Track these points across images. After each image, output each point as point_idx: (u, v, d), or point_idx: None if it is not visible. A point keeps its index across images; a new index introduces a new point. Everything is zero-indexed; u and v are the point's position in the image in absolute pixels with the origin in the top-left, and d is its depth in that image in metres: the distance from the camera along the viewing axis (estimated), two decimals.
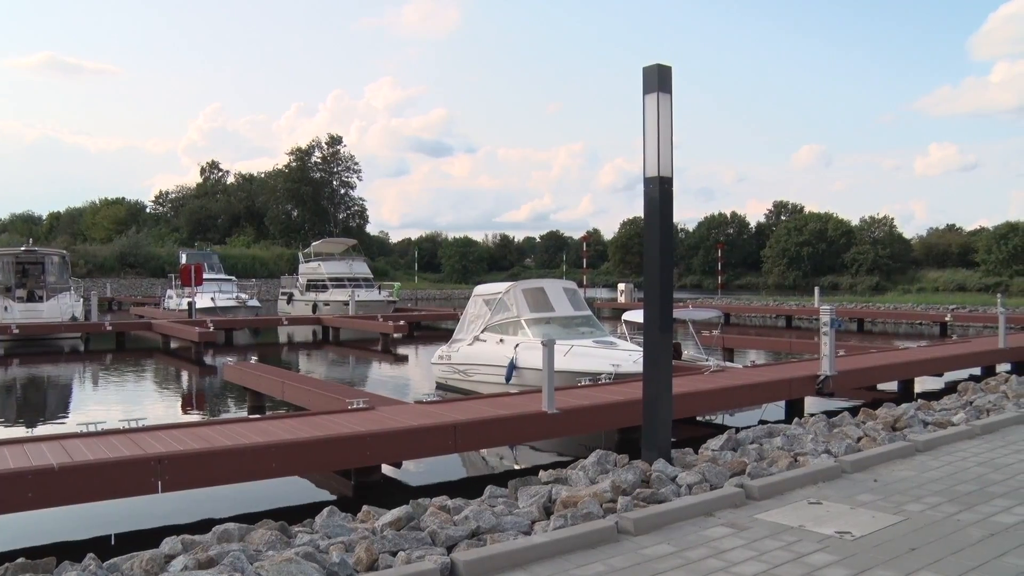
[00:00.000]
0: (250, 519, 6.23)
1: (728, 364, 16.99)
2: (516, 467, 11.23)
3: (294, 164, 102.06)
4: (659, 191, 7.59)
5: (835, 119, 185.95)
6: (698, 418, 13.40)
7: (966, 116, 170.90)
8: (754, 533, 5.71)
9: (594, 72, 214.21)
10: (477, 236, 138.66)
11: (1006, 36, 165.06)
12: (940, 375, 18.15)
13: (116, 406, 16.81)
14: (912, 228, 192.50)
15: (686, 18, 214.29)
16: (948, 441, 8.97)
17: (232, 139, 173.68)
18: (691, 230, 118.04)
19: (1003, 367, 19.28)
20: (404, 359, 28.64)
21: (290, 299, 51.72)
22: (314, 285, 49.86)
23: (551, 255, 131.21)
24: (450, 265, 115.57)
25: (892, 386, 16.80)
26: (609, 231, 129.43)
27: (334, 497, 9.29)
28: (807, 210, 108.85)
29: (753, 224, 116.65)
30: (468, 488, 8.06)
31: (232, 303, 39.81)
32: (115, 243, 78.44)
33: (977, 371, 18.82)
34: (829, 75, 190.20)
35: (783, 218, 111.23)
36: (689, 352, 18.79)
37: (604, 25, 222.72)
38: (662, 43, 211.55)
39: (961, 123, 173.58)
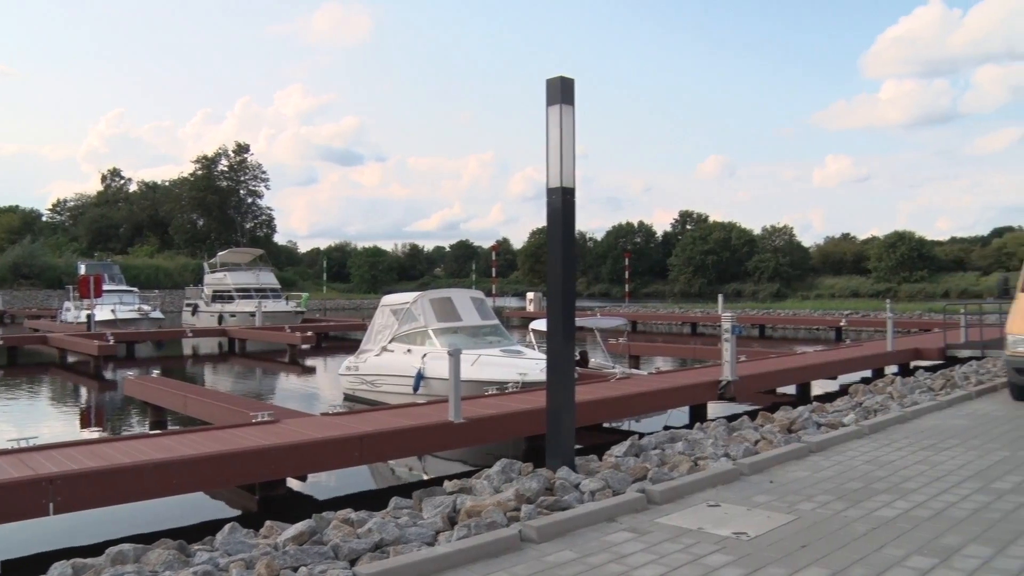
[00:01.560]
0: (148, 539, 6.08)
1: (634, 371, 17.29)
2: (424, 477, 11.24)
3: (200, 172, 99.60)
4: (562, 201, 7.71)
5: (739, 131, 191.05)
6: (604, 425, 13.62)
7: (859, 130, 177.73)
8: (654, 537, 5.85)
9: (505, 82, 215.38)
10: (387, 245, 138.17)
11: (893, 56, 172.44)
12: (835, 378, 18.84)
13: (5, 425, 16.17)
14: (810, 237, 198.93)
15: (597, 30, 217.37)
16: (839, 441, 9.33)
17: (135, 146, 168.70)
18: (599, 239, 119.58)
19: (891, 369, 20.16)
20: (312, 370, 28.28)
21: (195, 310, 50.56)
22: (220, 296, 48.86)
23: (461, 264, 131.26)
24: (359, 275, 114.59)
25: (791, 389, 17.37)
26: (519, 240, 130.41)
27: (238, 513, 9.16)
28: (712, 219, 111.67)
29: (660, 233, 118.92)
30: (376, 500, 8.05)
31: (134, 315, 38.74)
32: (8, 253, 75.03)
33: (868, 373, 19.58)
34: (733, 88, 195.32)
35: (688, 227, 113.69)
36: (596, 360, 19.05)
37: (515, 35, 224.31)
38: (572, 54, 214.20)
39: (855, 137, 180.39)
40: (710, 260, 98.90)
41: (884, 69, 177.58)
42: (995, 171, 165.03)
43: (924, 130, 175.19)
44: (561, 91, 7.70)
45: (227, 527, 6.08)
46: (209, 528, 6.68)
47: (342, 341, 36.04)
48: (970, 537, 5.75)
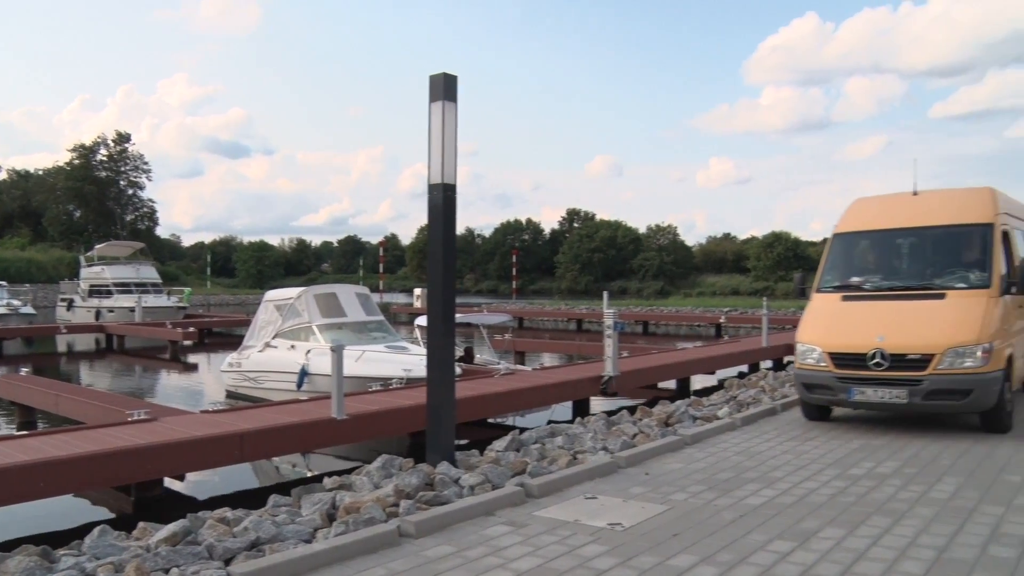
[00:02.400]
0: (10, 546, 5.86)
1: (518, 367, 17.49)
2: (308, 475, 11.12)
3: (77, 161, 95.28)
4: (443, 197, 7.76)
5: (626, 132, 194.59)
6: (489, 420, 13.74)
7: (742, 134, 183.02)
8: (532, 530, 5.96)
9: (395, 77, 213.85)
10: (274, 240, 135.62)
11: (773, 64, 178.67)
12: (713, 373, 19.43)
13: None
14: (693, 236, 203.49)
15: (488, 28, 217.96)
16: (713, 434, 9.67)
17: (5, 131, 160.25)
18: (487, 236, 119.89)
19: (765, 364, 20.94)
20: (194, 367, 27.58)
21: (70, 305, 48.50)
22: (97, 291, 47.08)
23: (349, 260, 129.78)
24: (245, 270, 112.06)
25: (671, 384, 17.85)
26: (407, 236, 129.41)
27: (112, 515, 8.88)
28: (599, 218, 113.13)
29: (548, 231, 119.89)
30: (257, 498, 7.92)
31: (2, 310, 36.94)
32: None
33: (745, 368, 20.29)
34: (620, 90, 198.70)
35: (576, 225, 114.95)
36: (481, 356, 19.17)
37: (406, 30, 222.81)
38: (463, 52, 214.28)
39: (737, 140, 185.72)
40: (596, 258, 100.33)
41: (764, 76, 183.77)
42: (863, 176, 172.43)
43: (800, 136, 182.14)
44: (444, 88, 7.74)
45: (97, 530, 5.92)
46: (80, 532, 6.48)
47: (226, 337, 35.21)
48: (827, 520, 6.08)
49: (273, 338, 17.27)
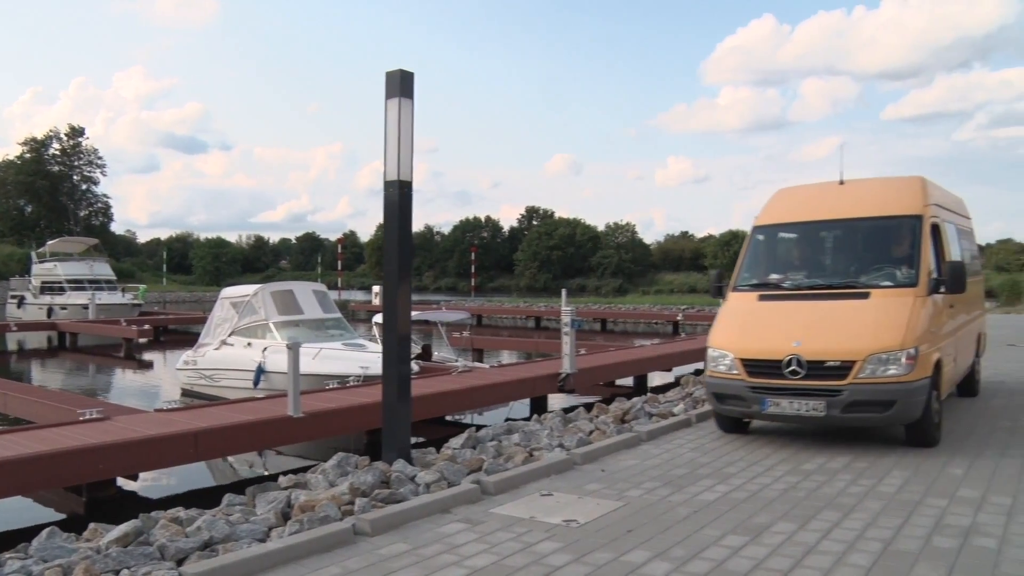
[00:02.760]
0: None
1: (476, 364, 17.50)
2: (264, 473, 11.05)
3: (28, 156, 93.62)
4: (398, 194, 7.76)
5: (585, 131, 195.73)
6: (447, 418, 13.74)
7: (700, 133, 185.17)
8: (487, 527, 5.97)
9: (354, 73, 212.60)
10: (231, 237, 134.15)
11: (730, 65, 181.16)
12: (670, 370, 19.61)
13: None
14: (652, 234, 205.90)
15: (449, 25, 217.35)
16: (669, 431, 9.75)
17: None
18: (446, 233, 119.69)
19: None
20: (149, 365, 27.24)
21: (21, 303, 47.71)
22: (50, 287, 46.35)
23: (307, 257, 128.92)
24: (202, 266, 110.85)
25: (628, 381, 17.97)
26: (366, 233, 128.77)
27: (62, 516, 8.75)
28: (558, 215, 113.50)
29: (507, 228, 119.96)
30: (213, 498, 7.85)
31: None
32: None
33: (701, 365, 20.45)
34: (580, 88, 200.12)
35: (535, 223, 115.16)
36: (439, 353, 19.15)
37: (365, 27, 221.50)
38: (423, 48, 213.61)
39: (695, 139, 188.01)
40: (555, 255, 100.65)
41: (722, 76, 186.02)
42: (818, 176, 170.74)
43: (757, 135, 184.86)
44: (400, 84, 7.73)
45: (45, 532, 5.82)
46: (28, 535, 6.37)
47: (182, 335, 34.76)
48: (779, 515, 6.17)
49: (229, 336, 17.14)
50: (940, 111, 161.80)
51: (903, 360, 7.99)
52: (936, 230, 9.32)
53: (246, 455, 11.06)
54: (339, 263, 72.31)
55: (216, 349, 17.24)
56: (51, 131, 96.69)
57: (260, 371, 15.11)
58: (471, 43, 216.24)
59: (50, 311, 43.69)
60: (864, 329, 8.24)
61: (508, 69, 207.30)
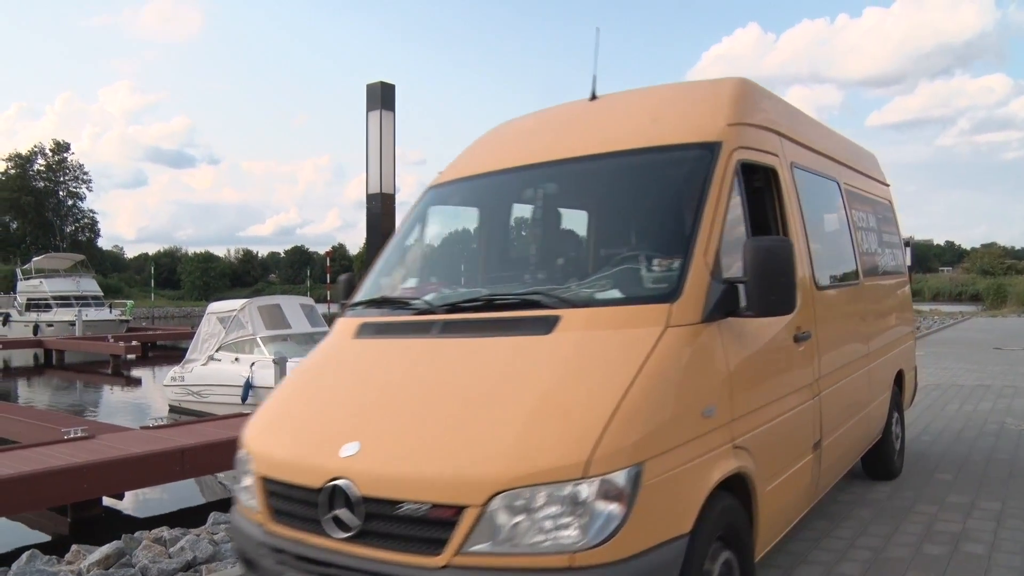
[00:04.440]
0: None
1: None
2: None
3: (13, 171, 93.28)
4: (381, 207, 7.76)
5: None
6: None
7: None
8: None
9: (341, 84, 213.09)
10: (219, 251, 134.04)
11: (716, 73, 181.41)
12: None
13: None
14: None
15: (439, 39, 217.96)
16: None
17: None
18: None
19: None
20: (137, 382, 27.12)
21: (6, 320, 47.43)
22: (35, 304, 46.12)
23: (296, 270, 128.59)
24: (190, 281, 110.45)
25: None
26: (355, 246, 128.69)
27: (47, 538, 8.66)
28: None
29: None
30: (201, 516, 7.77)
31: None
32: None
33: None
34: (569, 96, 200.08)
35: None
36: None
37: (352, 38, 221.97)
38: (410, 61, 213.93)
39: None
40: None
41: None
42: None
43: None
44: (381, 97, 7.73)
45: (25, 555, 5.77)
46: (10, 558, 6.31)
47: (170, 351, 34.60)
48: None
49: (217, 351, 17.08)
50: (923, 117, 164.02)
51: (592, 501, 2.99)
52: (757, 178, 4.58)
53: (234, 472, 10.98)
54: (328, 276, 72.12)
55: (203, 365, 17.17)
56: (36, 147, 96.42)
57: (248, 386, 15.04)
58: (459, 54, 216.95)
59: (36, 328, 43.46)
60: (506, 418, 3.25)
61: (497, 80, 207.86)
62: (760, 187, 4.61)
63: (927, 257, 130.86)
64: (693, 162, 4.16)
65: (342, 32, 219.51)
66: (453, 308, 4.10)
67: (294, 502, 3.46)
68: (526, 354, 3.55)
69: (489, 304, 4.01)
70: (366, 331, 4.31)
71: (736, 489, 3.72)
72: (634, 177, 4.45)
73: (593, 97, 5.08)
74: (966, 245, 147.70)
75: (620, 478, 2.98)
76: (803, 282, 4.58)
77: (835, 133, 6.87)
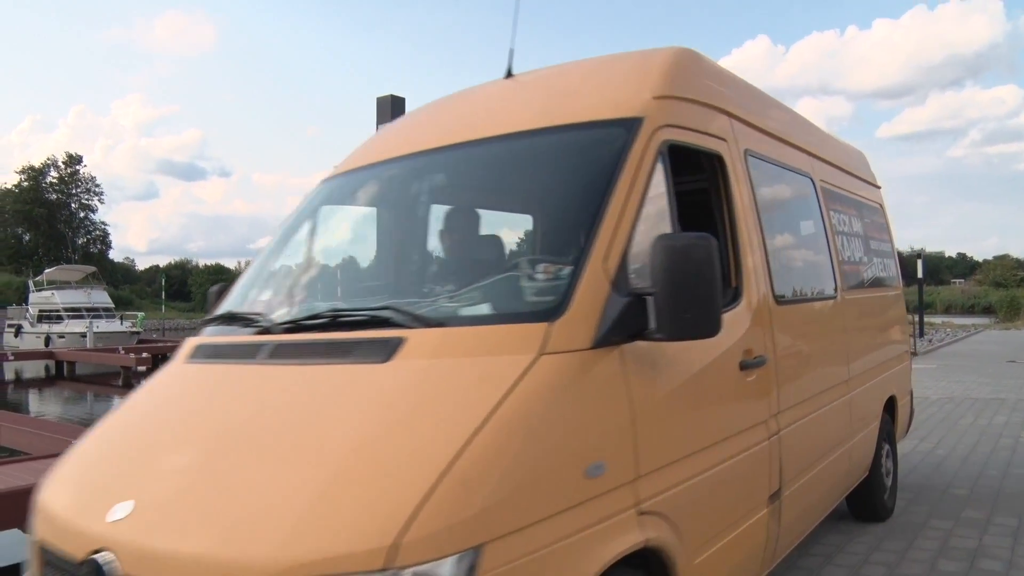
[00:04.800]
0: None
1: None
2: None
3: (26, 184, 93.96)
4: None
5: None
6: None
7: None
8: None
9: (352, 98, 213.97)
10: (230, 263, 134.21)
11: None
12: None
13: None
14: None
15: (447, 51, 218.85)
16: None
17: None
18: None
19: None
20: None
21: (18, 331, 47.72)
22: (47, 316, 46.39)
23: None
24: (201, 293, 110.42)
25: None
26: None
27: None
28: None
29: None
30: None
31: None
32: None
33: None
34: None
35: None
36: None
37: (363, 50, 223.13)
38: (419, 74, 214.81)
39: None
40: None
41: None
42: None
43: None
44: (392, 109, 7.74)
45: None
46: (21, 570, 6.29)
47: None
48: None
49: None
50: (934, 128, 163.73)
51: None
52: (696, 166, 3.81)
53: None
54: None
55: None
56: (49, 159, 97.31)
57: None
58: (470, 68, 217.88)
59: (48, 339, 43.70)
60: (303, 480, 2.33)
61: None
62: (701, 178, 3.87)
63: (939, 269, 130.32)
64: (602, 143, 3.30)
65: (353, 45, 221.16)
66: (295, 327, 3.28)
67: (56, 568, 2.67)
68: (352, 389, 2.72)
69: (334, 322, 3.17)
70: (199, 354, 3.52)
71: (652, 566, 2.90)
72: (529, 164, 3.64)
73: (509, 74, 4.24)
74: (978, 257, 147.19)
75: (444, 569, 2.11)
76: (757, 295, 3.87)
77: (810, 123, 5.97)
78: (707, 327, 2.75)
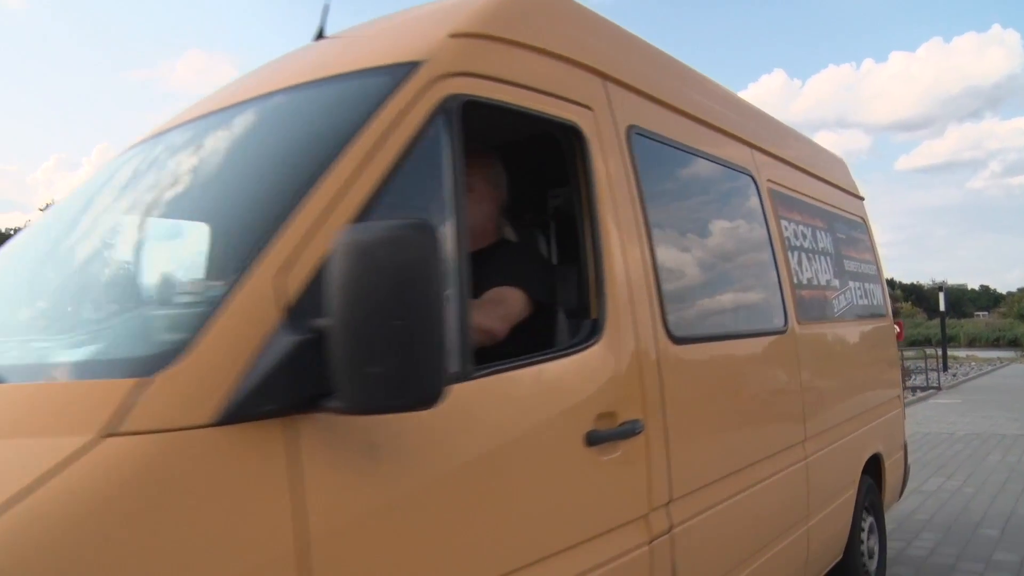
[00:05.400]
0: None
1: None
2: None
3: None
4: None
5: None
6: None
7: None
8: None
9: None
10: None
11: None
12: None
13: None
14: None
15: None
16: None
17: None
18: None
19: None
20: None
21: None
22: None
23: None
24: None
25: None
26: None
27: None
28: None
29: None
30: None
31: None
32: None
33: None
34: None
35: None
36: None
37: None
38: None
39: None
40: None
41: None
42: None
43: None
44: None
45: None
46: None
47: None
48: None
49: None
50: (953, 160, 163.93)
51: None
52: (533, 141, 2.95)
53: None
54: None
55: None
56: None
57: None
58: None
59: None
60: None
61: None
62: (547, 160, 2.83)
63: (962, 302, 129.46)
64: (344, 101, 2.22)
65: None
66: None
67: None
68: None
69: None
70: None
71: None
72: (246, 136, 2.48)
73: (320, 36, 2.91)
74: (1001, 289, 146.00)
75: None
76: (633, 330, 2.60)
77: (758, 110, 4.69)
78: (413, 390, 1.54)
